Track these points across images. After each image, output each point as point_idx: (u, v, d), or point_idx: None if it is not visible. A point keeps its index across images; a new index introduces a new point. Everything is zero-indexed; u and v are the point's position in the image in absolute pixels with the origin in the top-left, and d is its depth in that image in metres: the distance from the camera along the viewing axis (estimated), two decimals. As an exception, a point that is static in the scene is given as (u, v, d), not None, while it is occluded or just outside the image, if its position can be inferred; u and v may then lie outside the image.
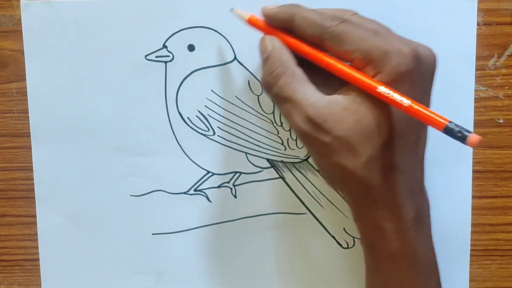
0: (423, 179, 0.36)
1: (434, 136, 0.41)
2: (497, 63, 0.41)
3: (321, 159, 0.35)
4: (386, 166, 0.33)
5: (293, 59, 0.35)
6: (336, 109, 0.33)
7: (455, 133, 0.30)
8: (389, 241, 0.34)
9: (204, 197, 0.42)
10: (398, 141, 0.33)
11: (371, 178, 0.33)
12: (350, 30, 0.33)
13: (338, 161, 0.33)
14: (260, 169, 0.42)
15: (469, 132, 0.29)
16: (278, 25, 0.36)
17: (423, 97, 0.34)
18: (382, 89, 0.32)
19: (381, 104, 0.33)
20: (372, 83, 0.32)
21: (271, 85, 0.35)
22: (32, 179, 0.42)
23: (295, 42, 0.35)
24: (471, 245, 0.43)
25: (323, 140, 0.33)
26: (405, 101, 0.31)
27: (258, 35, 0.40)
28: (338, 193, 0.42)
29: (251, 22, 0.37)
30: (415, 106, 0.31)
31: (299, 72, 0.35)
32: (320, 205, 0.42)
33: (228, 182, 0.42)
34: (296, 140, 0.42)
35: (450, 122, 0.30)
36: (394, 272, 0.35)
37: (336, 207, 0.42)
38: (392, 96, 0.32)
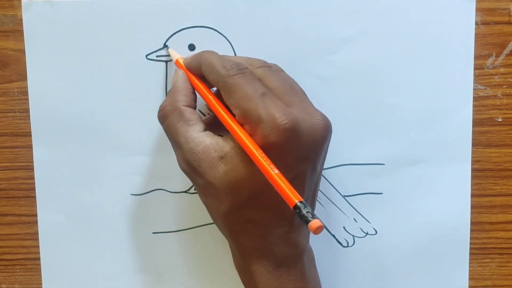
0: (290, 232, 0.36)
1: (434, 136, 0.42)
2: (496, 62, 0.41)
3: (199, 193, 0.37)
4: (245, 220, 0.35)
5: (187, 99, 0.37)
6: (212, 156, 0.34)
7: (301, 214, 0.30)
8: (254, 283, 0.36)
9: (204, 196, 0.42)
10: (259, 199, 0.34)
11: (232, 226, 0.36)
12: (239, 85, 0.34)
13: (207, 202, 0.37)
14: (260, 168, 0.42)
15: (313, 217, 0.30)
16: (194, 71, 0.38)
17: (298, 167, 0.34)
18: (258, 153, 0.32)
19: (251, 164, 0.33)
20: (246, 142, 0.33)
21: (161, 121, 0.37)
22: (33, 178, 0.42)
23: (196, 84, 0.37)
24: (470, 243, 0.43)
25: (198, 181, 0.35)
26: (272, 171, 0.32)
27: (258, 34, 0.40)
28: (338, 192, 0.42)
29: (177, 64, 0.39)
30: (274, 174, 0.32)
31: (188, 112, 0.36)
32: (320, 204, 0.42)
33: (229, 181, 0.42)
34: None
35: (301, 201, 0.30)
36: None
37: (336, 206, 0.42)
38: (262, 162, 0.32)
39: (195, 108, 0.37)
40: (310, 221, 0.30)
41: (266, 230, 0.35)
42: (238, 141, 0.33)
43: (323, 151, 0.36)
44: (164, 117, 0.37)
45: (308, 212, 0.30)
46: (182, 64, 0.38)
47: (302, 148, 0.34)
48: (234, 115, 0.34)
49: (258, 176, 0.33)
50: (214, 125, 0.37)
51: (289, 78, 0.38)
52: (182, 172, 0.41)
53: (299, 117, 0.33)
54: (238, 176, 0.34)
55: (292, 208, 0.31)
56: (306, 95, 0.37)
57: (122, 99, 0.41)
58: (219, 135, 0.36)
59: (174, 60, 0.40)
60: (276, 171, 0.32)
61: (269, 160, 0.32)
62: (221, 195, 0.34)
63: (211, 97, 0.36)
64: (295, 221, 0.35)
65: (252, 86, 0.34)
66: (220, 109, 0.35)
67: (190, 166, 0.35)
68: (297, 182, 0.34)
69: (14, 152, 0.42)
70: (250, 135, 0.33)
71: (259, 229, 0.35)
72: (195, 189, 0.42)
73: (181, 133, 0.35)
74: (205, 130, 0.36)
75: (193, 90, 0.38)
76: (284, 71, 0.38)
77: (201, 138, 0.35)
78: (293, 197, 0.31)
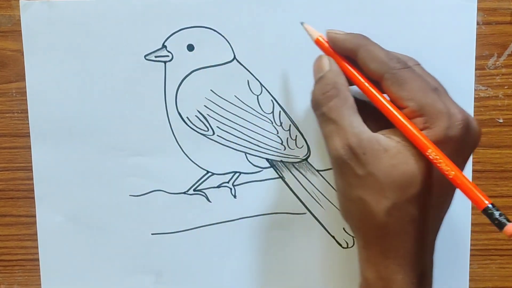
0: (435, 240, 0.35)
1: (433, 136, 0.41)
2: (497, 62, 0.41)
3: (348, 189, 0.34)
4: (407, 219, 0.33)
5: (347, 85, 0.34)
6: (378, 147, 0.32)
7: (493, 218, 0.29)
8: None
9: (203, 197, 0.42)
10: (427, 198, 0.33)
11: (390, 225, 0.33)
12: (412, 78, 0.33)
13: (364, 196, 0.33)
14: (260, 169, 0.42)
15: (509, 220, 0.29)
16: (341, 51, 0.35)
17: (461, 166, 0.34)
18: (432, 152, 0.31)
19: (421, 158, 0.32)
20: (424, 141, 0.32)
21: (321, 104, 0.34)
22: (32, 179, 0.42)
23: (352, 72, 0.35)
24: (471, 244, 0.43)
25: (357, 171, 0.33)
26: (451, 172, 0.31)
27: (258, 34, 0.40)
28: (337, 193, 0.42)
29: (318, 43, 0.36)
30: (461, 178, 0.31)
31: (351, 99, 0.34)
32: (320, 205, 0.42)
33: (228, 182, 0.42)
34: (295, 140, 0.42)
35: (491, 204, 0.29)
36: None
37: (336, 207, 0.42)
38: (439, 163, 0.31)
39: None
40: (505, 225, 0.28)
41: (426, 233, 0.33)
42: (408, 135, 0.32)
43: (471, 155, 0.36)
44: (328, 98, 0.34)
45: (501, 215, 0.29)
46: (328, 39, 0.36)
47: (469, 147, 0.34)
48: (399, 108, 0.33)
49: (429, 173, 0.32)
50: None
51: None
52: (182, 172, 0.41)
53: (470, 118, 0.33)
54: (409, 171, 0.32)
55: (481, 210, 0.29)
56: None
57: (120, 100, 0.41)
58: None
59: (314, 37, 0.36)
60: (453, 173, 0.31)
61: (446, 157, 0.31)
62: (384, 189, 0.32)
63: (370, 88, 0.34)
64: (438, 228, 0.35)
65: (423, 81, 0.33)
66: (385, 102, 0.33)
67: (353, 152, 0.32)
68: None
69: (13, 152, 0.42)
70: (422, 129, 0.32)
71: (419, 231, 0.33)
72: (194, 190, 0.42)
73: (347, 116, 0.33)
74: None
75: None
76: None
77: (366, 128, 0.33)
78: (484, 198, 0.29)
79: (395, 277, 0.33)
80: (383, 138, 0.33)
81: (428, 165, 0.32)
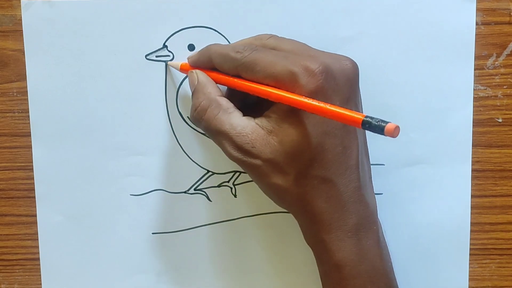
0: (360, 187, 0.35)
1: (434, 137, 0.41)
2: (496, 62, 0.41)
3: (258, 181, 0.36)
4: (316, 181, 0.34)
5: (217, 90, 0.36)
6: (261, 133, 0.34)
7: (373, 126, 0.29)
8: (331, 252, 0.35)
9: (204, 196, 0.42)
10: (323, 155, 0.34)
11: (304, 194, 0.35)
12: (259, 57, 0.34)
13: (271, 181, 0.35)
14: (260, 169, 0.42)
15: (386, 122, 0.29)
16: (204, 66, 0.38)
17: (344, 106, 0.34)
18: (300, 98, 0.32)
19: (301, 123, 0.33)
20: (295, 97, 0.32)
21: (199, 120, 0.36)
22: (33, 178, 0.42)
23: (215, 74, 0.37)
24: (470, 244, 0.43)
25: (255, 163, 0.35)
26: (326, 106, 0.31)
27: (258, 33, 0.40)
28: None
29: (183, 68, 0.39)
30: (330, 107, 0.31)
31: (224, 101, 0.36)
32: (320, 204, 0.42)
33: (228, 181, 0.42)
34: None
35: (366, 116, 0.30)
36: (339, 281, 0.35)
37: (336, 206, 0.42)
38: (312, 102, 0.32)
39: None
40: (385, 125, 0.29)
41: (339, 187, 0.34)
42: (283, 100, 0.33)
43: (358, 90, 0.36)
44: (202, 112, 0.36)
45: (378, 120, 0.29)
46: (189, 63, 0.39)
47: (341, 89, 0.34)
48: None
49: (314, 132, 0.33)
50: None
51: (298, 41, 0.37)
52: (182, 172, 0.41)
53: (328, 61, 0.34)
54: (295, 140, 0.33)
55: (361, 125, 0.30)
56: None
57: (121, 100, 0.41)
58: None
59: (179, 67, 0.40)
60: (328, 105, 0.31)
61: (316, 100, 0.32)
62: (284, 167, 0.34)
63: (237, 80, 0.36)
64: (360, 174, 0.35)
65: (272, 52, 0.34)
66: (253, 84, 0.35)
67: (243, 150, 0.34)
68: (349, 127, 0.34)
69: (13, 152, 0.42)
70: None
71: (331, 187, 0.34)
72: (194, 189, 0.42)
73: (225, 121, 0.35)
74: (244, 116, 0.35)
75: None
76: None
77: (246, 121, 0.35)
78: (357, 115, 0.30)
79: (326, 237, 0.35)
80: (265, 121, 0.34)
81: (310, 127, 0.33)
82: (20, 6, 0.40)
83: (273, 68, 0.33)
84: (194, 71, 0.38)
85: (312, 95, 0.32)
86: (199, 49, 0.39)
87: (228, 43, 0.41)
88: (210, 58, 0.37)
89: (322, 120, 0.33)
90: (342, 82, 0.34)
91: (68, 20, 0.40)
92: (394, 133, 0.29)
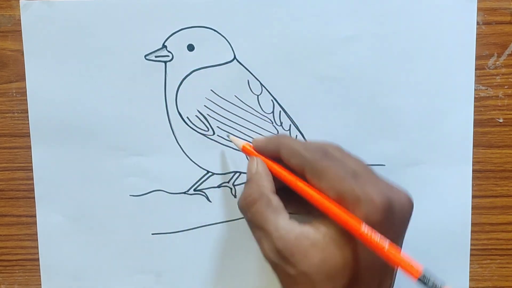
0: None
1: (434, 137, 0.41)
2: (497, 62, 0.41)
3: (284, 285, 0.35)
4: None
5: (272, 186, 0.36)
6: (305, 243, 0.33)
7: (430, 285, 0.30)
8: None
9: (204, 197, 0.42)
10: (360, 285, 0.33)
11: None
12: (329, 168, 0.34)
13: None
14: (260, 169, 0.42)
15: (442, 284, 0.29)
16: (267, 154, 0.37)
17: (395, 242, 0.33)
18: (365, 228, 0.32)
19: (350, 246, 0.33)
20: (352, 221, 0.32)
21: (245, 210, 0.36)
22: (32, 179, 0.42)
23: (276, 168, 0.36)
24: (471, 244, 0.43)
25: (288, 272, 0.33)
26: (386, 245, 0.31)
27: (258, 34, 0.40)
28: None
29: (245, 150, 0.39)
30: (389, 250, 0.31)
31: (275, 199, 0.35)
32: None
33: (228, 182, 0.42)
34: (295, 139, 0.42)
35: (423, 272, 0.30)
36: None
37: (336, 207, 0.42)
38: (372, 237, 0.31)
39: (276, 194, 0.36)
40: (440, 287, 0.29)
41: None
42: (338, 218, 0.33)
43: (407, 227, 0.36)
44: (251, 204, 0.35)
45: (436, 280, 0.29)
46: (252, 149, 0.38)
47: (396, 226, 0.34)
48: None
49: (359, 264, 0.32)
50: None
51: (360, 158, 0.37)
52: (182, 172, 0.41)
53: (391, 195, 0.33)
54: (337, 263, 0.32)
55: (416, 279, 0.30)
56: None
57: (121, 100, 0.41)
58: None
59: (240, 147, 0.39)
60: (388, 245, 0.31)
61: (376, 233, 0.32)
62: (317, 285, 0.33)
63: (299, 182, 0.35)
64: None
65: (342, 167, 0.34)
66: (314, 192, 0.34)
67: (281, 255, 0.33)
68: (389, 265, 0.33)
69: (13, 152, 0.42)
70: None
71: None
72: (194, 190, 0.42)
73: (271, 221, 0.34)
74: (290, 219, 0.35)
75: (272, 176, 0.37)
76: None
77: (291, 226, 0.34)
78: (415, 268, 0.30)
79: None
80: (311, 232, 0.33)
81: (357, 252, 0.33)
82: (19, 6, 0.40)
83: (340, 185, 0.33)
84: (255, 158, 0.37)
85: (371, 225, 0.32)
86: (198, 50, 0.39)
87: (228, 43, 0.40)
88: (278, 148, 0.36)
89: (369, 253, 0.33)
90: (398, 218, 0.34)
91: (67, 20, 0.40)
92: None
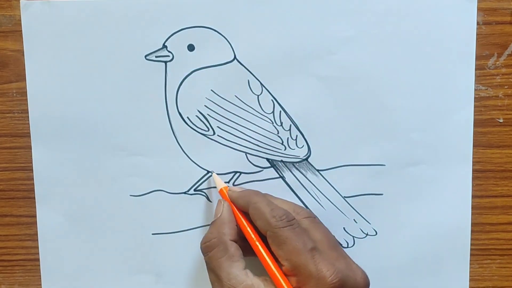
0: None
1: (434, 137, 0.41)
2: (497, 62, 0.41)
3: None
4: None
5: (233, 232, 0.38)
6: None
7: None
8: None
9: (204, 197, 0.42)
10: None
11: None
12: (289, 238, 0.35)
13: None
14: (260, 169, 0.42)
15: None
16: (239, 208, 0.39)
17: None
18: None
19: None
20: None
21: (203, 253, 0.38)
22: (32, 179, 0.42)
23: (242, 222, 0.38)
24: (471, 244, 0.43)
25: None
26: None
27: (258, 34, 0.40)
28: (338, 192, 0.42)
29: (221, 193, 0.40)
30: None
31: (232, 247, 0.37)
32: (320, 205, 0.42)
33: (228, 182, 0.42)
34: (296, 139, 0.42)
35: None
36: None
37: (336, 207, 0.42)
38: None
39: (237, 241, 0.38)
40: None
41: None
42: None
43: None
44: (208, 248, 0.37)
45: None
46: (227, 195, 0.39)
47: None
48: (280, 265, 0.36)
49: None
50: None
51: (329, 231, 0.39)
52: (182, 172, 0.41)
53: (345, 275, 0.35)
54: None
55: None
56: (344, 251, 0.38)
57: (121, 100, 0.41)
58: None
59: (218, 188, 0.40)
60: None
61: None
62: None
63: (257, 243, 0.37)
64: None
65: (301, 240, 0.35)
66: (267, 258, 0.36)
67: None
68: None
69: (13, 153, 0.42)
70: None
71: None
72: (194, 190, 0.42)
73: (224, 268, 0.36)
74: (245, 269, 0.36)
75: (237, 223, 0.38)
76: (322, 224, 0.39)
77: (243, 277, 0.36)
78: None
79: None
80: (261, 285, 0.35)
81: None
82: (19, 6, 0.40)
83: (296, 258, 0.35)
84: (223, 203, 0.39)
85: None
86: (198, 50, 0.39)
87: (228, 43, 0.40)
88: (247, 206, 0.38)
89: None
90: None
91: (68, 20, 0.40)
92: None
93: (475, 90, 0.41)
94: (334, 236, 0.39)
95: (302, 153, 0.42)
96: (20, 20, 0.40)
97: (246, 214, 0.38)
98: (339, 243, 0.38)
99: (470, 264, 0.43)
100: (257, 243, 0.37)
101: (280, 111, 0.41)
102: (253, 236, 0.37)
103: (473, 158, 0.42)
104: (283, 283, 0.35)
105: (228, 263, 0.36)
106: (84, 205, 0.42)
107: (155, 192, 0.42)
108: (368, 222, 0.42)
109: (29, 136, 0.42)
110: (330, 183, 0.42)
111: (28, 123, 0.42)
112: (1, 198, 0.43)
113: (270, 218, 0.36)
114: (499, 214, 0.43)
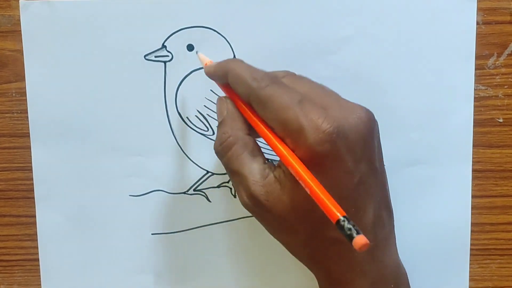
0: (375, 247, 0.33)
1: (434, 137, 0.41)
2: (497, 62, 0.41)
3: (268, 231, 0.35)
4: (328, 242, 0.33)
5: (246, 127, 0.34)
6: (277, 188, 0.32)
7: (345, 229, 0.27)
8: None
9: (203, 197, 0.42)
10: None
11: (314, 254, 0.33)
12: (274, 95, 0.31)
13: (282, 238, 0.34)
14: (260, 169, 0.42)
15: (358, 232, 0.27)
16: (218, 82, 0.36)
17: (357, 170, 0.32)
18: (292, 170, 0.30)
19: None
20: (288, 158, 0.30)
21: (221, 155, 0.34)
22: (32, 179, 0.42)
23: (242, 107, 0.34)
24: (471, 244, 0.43)
25: (266, 217, 0.33)
26: (312, 185, 0.29)
27: (258, 34, 0.40)
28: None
29: (207, 71, 0.37)
30: (315, 188, 0.29)
31: (251, 142, 0.34)
32: (320, 204, 0.42)
33: (228, 182, 0.42)
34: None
35: (344, 216, 0.27)
36: None
37: (336, 207, 0.42)
38: (299, 179, 0.30)
39: (251, 134, 0.34)
40: (354, 237, 0.26)
41: (350, 248, 0.30)
42: (282, 159, 0.31)
43: (375, 145, 0.33)
44: (227, 148, 0.33)
45: (351, 228, 0.27)
46: (205, 73, 0.37)
47: (353, 149, 0.31)
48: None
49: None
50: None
51: (316, 82, 0.35)
52: (182, 172, 0.41)
53: (340, 117, 0.31)
54: (305, 200, 0.30)
55: (334, 223, 0.27)
56: (338, 94, 0.34)
57: (120, 100, 0.41)
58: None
59: (203, 63, 0.38)
60: (314, 185, 0.29)
61: (308, 172, 0.29)
62: (294, 226, 0.32)
63: (258, 125, 0.33)
64: (375, 233, 0.33)
65: (287, 95, 0.31)
66: (268, 134, 0.32)
67: (256, 200, 0.32)
68: (362, 186, 0.32)
69: (12, 153, 0.42)
70: (294, 149, 0.31)
71: (343, 249, 0.32)
72: (194, 190, 0.42)
73: (247, 164, 0.33)
74: (266, 162, 0.33)
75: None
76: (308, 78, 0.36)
77: (266, 171, 0.32)
78: (336, 211, 0.28)
79: None
80: (282, 174, 0.32)
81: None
82: (18, 6, 0.40)
83: (284, 114, 0.31)
84: (225, 99, 0.35)
85: (317, 156, 0.30)
86: (198, 49, 0.39)
87: (228, 43, 0.40)
88: (226, 74, 0.34)
89: (334, 182, 0.31)
90: (354, 140, 0.31)
91: (67, 20, 0.40)
92: (361, 248, 0.27)
93: (474, 90, 0.41)
94: (322, 84, 0.35)
95: (302, 153, 0.42)
96: (19, 20, 0.40)
97: (229, 88, 0.35)
98: (332, 90, 0.34)
99: (470, 264, 0.43)
100: (253, 118, 0.33)
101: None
102: (245, 109, 0.34)
103: (473, 158, 0.42)
104: (274, 140, 0.31)
105: (249, 158, 0.33)
106: (83, 205, 0.42)
107: (154, 192, 0.42)
108: (368, 222, 0.42)
109: (29, 136, 0.42)
110: (329, 183, 0.42)
111: (28, 123, 0.42)
112: (1, 198, 0.43)
113: (251, 81, 0.32)
114: (499, 214, 0.43)
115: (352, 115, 0.32)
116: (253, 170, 0.33)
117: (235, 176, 0.34)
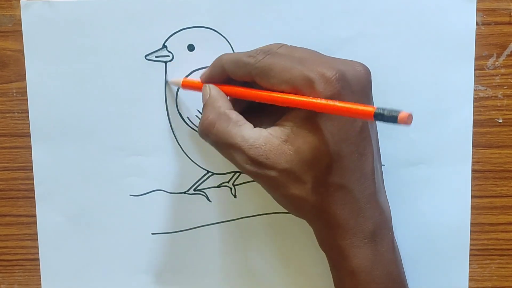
0: (375, 193, 0.35)
1: (434, 137, 0.41)
2: (496, 62, 0.41)
3: (273, 192, 0.35)
4: (333, 188, 0.34)
5: (228, 104, 0.35)
6: (275, 143, 0.33)
7: (386, 117, 0.29)
8: (347, 258, 0.35)
9: (204, 196, 0.42)
10: (340, 162, 0.33)
11: (321, 201, 0.34)
12: (274, 62, 0.33)
13: (288, 192, 0.34)
14: (260, 169, 0.42)
15: (398, 111, 0.28)
16: (218, 80, 0.37)
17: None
18: (317, 100, 0.32)
19: (318, 130, 0.33)
20: (306, 98, 0.32)
21: (206, 133, 0.35)
22: (32, 179, 0.42)
23: (228, 88, 0.36)
24: (470, 244, 0.43)
25: (270, 175, 0.34)
26: (337, 103, 0.31)
27: (258, 34, 0.40)
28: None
29: (186, 85, 0.39)
30: (342, 104, 0.31)
31: (233, 115, 0.35)
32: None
33: (228, 182, 0.42)
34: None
35: (377, 108, 0.29)
36: (354, 287, 0.35)
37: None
38: (325, 102, 0.31)
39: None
40: (397, 115, 0.28)
41: (354, 194, 0.34)
42: (301, 104, 0.32)
43: (371, 94, 0.36)
44: (210, 126, 0.35)
45: (390, 110, 0.28)
46: (201, 80, 0.38)
47: (355, 95, 0.33)
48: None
49: (331, 139, 0.33)
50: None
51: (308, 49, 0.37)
52: (182, 172, 0.41)
53: (342, 68, 0.33)
54: (312, 147, 0.33)
55: (373, 117, 0.29)
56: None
57: (121, 100, 0.41)
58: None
59: (180, 84, 0.39)
60: (340, 102, 0.31)
61: (331, 100, 0.31)
62: (300, 175, 0.33)
63: (252, 91, 0.35)
64: (375, 180, 0.35)
65: (286, 58, 0.33)
66: (269, 93, 0.34)
67: (257, 162, 0.33)
68: (364, 134, 0.34)
69: (13, 152, 0.42)
70: None
71: (348, 194, 0.34)
72: (194, 190, 0.42)
73: (236, 134, 0.34)
74: (255, 127, 0.34)
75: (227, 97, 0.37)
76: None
77: (258, 132, 0.34)
78: (368, 108, 0.29)
79: (343, 243, 0.35)
80: (278, 130, 0.34)
81: (326, 134, 0.33)
82: (19, 6, 0.40)
83: (289, 74, 0.33)
84: (207, 85, 0.37)
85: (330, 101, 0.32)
86: (198, 50, 0.39)
87: (228, 43, 0.41)
88: (222, 68, 0.36)
89: (339, 127, 0.33)
90: (356, 88, 0.33)
91: (68, 20, 0.40)
92: (408, 121, 0.28)
93: (474, 90, 0.41)
94: (317, 51, 0.36)
95: (302, 153, 0.42)
96: (20, 20, 0.40)
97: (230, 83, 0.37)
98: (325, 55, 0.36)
99: (470, 264, 0.43)
100: (251, 91, 0.35)
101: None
102: (242, 90, 0.35)
103: (472, 158, 0.42)
104: (289, 96, 0.33)
105: (236, 128, 0.34)
106: (84, 204, 0.42)
107: (155, 192, 0.42)
108: (368, 222, 0.42)
109: (29, 136, 0.42)
110: (329, 183, 0.42)
111: (28, 123, 0.42)
112: (1, 197, 0.43)
113: (247, 59, 0.34)
114: (499, 214, 0.43)
115: (352, 68, 0.34)
116: (245, 136, 0.34)
117: (227, 149, 0.34)
